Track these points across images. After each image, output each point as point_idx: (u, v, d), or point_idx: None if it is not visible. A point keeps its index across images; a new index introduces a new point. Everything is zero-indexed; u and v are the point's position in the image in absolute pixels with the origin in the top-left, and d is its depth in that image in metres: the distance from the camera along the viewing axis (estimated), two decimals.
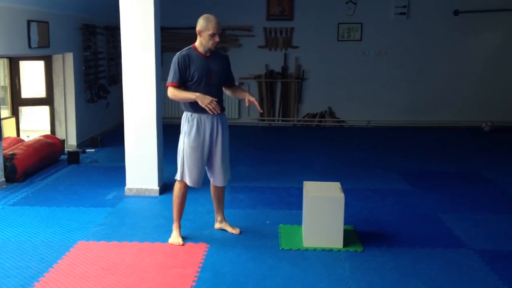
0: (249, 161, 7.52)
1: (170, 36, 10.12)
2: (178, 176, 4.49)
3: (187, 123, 4.40)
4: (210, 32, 4.28)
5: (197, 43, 4.41)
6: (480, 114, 10.29)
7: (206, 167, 4.55)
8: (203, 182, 4.56)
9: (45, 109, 8.24)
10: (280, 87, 10.49)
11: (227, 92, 4.68)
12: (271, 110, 10.55)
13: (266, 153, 8.09)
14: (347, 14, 10.26)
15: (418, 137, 9.48)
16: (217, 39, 4.31)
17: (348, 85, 10.43)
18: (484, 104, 10.36)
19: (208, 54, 4.40)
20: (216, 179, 4.59)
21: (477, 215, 5.33)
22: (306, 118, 10.56)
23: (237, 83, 4.94)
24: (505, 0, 10.02)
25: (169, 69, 4.35)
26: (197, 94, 4.24)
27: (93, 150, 8.02)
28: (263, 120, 10.56)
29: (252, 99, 4.42)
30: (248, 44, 10.31)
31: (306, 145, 8.77)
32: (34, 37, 6.81)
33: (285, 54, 10.40)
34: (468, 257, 4.28)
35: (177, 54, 4.36)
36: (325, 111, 10.56)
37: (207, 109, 4.23)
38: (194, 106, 4.36)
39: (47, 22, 7.17)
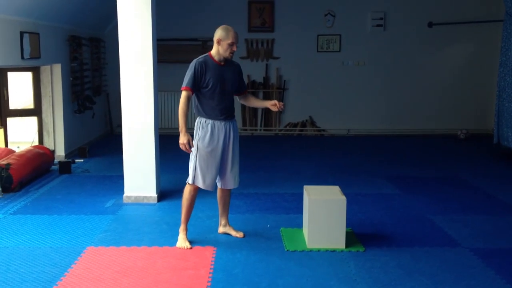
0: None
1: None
2: (190, 180, 4.63)
3: (201, 128, 4.57)
4: (229, 41, 4.51)
5: (213, 52, 4.61)
6: (455, 122, 10.70)
7: None
8: (200, 189, 4.70)
9: (32, 119, 8.25)
10: (262, 97, 10.68)
11: (243, 102, 4.90)
12: (253, 119, 10.75)
13: (253, 162, 8.22)
14: (326, 26, 10.56)
15: (397, 145, 9.78)
16: (235, 48, 4.57)
17: (328, 95, 10.71)
18: (459, 113, 10.77)
19: (222, 63, 4.60)
20: (227, 183, 4.75)
21: (464, 216, 5.60)
22: (287, 128, 10.78)
23: None
24: (475, 13, 10.48)
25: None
26: (184, 131, 4.42)
27: (82, 160, 8.05)
28: (246, 130, 10.74)
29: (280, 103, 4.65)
30: None
31: (290, 154, 8.96)
32: (27, 48, 6.86)
33: (267, 65, 10.63)
34: (464, 255, 4.53)
35: (194, 60, 4.56)
36: (306, 120, 10.80)
37: (181, 147, 4.45)
38: (208, 112, 4.55)
39: (38, 34, 7.23)
